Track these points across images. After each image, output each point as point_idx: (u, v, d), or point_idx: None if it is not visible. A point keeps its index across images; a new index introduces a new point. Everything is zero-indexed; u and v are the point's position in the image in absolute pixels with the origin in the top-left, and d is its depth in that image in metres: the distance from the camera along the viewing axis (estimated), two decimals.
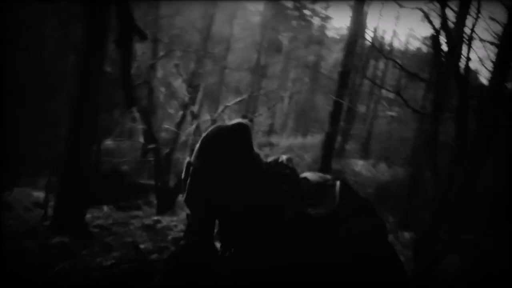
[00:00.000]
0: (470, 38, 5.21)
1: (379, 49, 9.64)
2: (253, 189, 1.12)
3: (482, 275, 4.49)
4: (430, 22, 4.75)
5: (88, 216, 7.67)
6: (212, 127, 1.20)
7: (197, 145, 1.18)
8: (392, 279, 1.13)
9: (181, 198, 10.91)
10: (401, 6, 6.84)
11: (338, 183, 1.19)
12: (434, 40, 4.54)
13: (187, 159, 1.21)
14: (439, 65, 4.67)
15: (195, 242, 1.21)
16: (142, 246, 6.10)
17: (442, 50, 4.60)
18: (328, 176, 1.25)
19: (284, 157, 1.26)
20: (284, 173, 1.18)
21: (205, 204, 1.17)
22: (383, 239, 1.20)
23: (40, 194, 9.49)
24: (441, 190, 4.41)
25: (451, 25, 5.35)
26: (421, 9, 5.27)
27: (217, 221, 1.22)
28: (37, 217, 7.84)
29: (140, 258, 5.23)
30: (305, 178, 1.22)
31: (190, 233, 1.25)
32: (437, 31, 4.51)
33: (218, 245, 1.25)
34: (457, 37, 4.82)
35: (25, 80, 14.09)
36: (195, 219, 1.23)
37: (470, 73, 4.83)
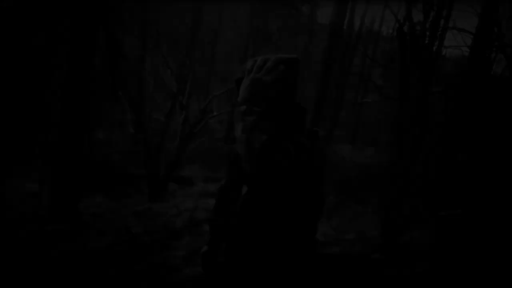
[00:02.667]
0: (435, 28, 5.55)
1: (347, 41, 9.94)
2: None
3: (450, 250, 4.87)
4: (395, 16, 5.10)
5: (81, 204, 7.96)
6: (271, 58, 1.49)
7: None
8: None
9: (171, 185, 11.08)
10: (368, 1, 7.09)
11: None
12: (398, 32, 4.89)
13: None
14: (403, 54, 5.03)
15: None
16: (133, 231, 6.43)
17: (406, 41, 4.94)
18: None
19: None
20: None
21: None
22: None
23: (33, 185, 9.68)
24: (403, 167, 4.80)
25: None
26: (387, 6, 5.61)
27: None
28: (32, 206, 8.08)
29: (131, 240, 5.59)
30: None
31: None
32: (400, 23, 4.85)
33: None
34: (423, 28, 5.19)
35: (12, 68, 14.19)
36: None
37: (431, 61, 5.19)
